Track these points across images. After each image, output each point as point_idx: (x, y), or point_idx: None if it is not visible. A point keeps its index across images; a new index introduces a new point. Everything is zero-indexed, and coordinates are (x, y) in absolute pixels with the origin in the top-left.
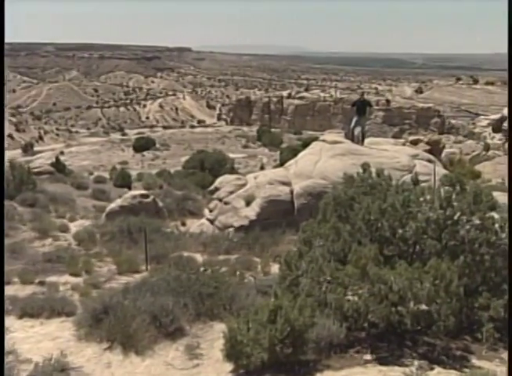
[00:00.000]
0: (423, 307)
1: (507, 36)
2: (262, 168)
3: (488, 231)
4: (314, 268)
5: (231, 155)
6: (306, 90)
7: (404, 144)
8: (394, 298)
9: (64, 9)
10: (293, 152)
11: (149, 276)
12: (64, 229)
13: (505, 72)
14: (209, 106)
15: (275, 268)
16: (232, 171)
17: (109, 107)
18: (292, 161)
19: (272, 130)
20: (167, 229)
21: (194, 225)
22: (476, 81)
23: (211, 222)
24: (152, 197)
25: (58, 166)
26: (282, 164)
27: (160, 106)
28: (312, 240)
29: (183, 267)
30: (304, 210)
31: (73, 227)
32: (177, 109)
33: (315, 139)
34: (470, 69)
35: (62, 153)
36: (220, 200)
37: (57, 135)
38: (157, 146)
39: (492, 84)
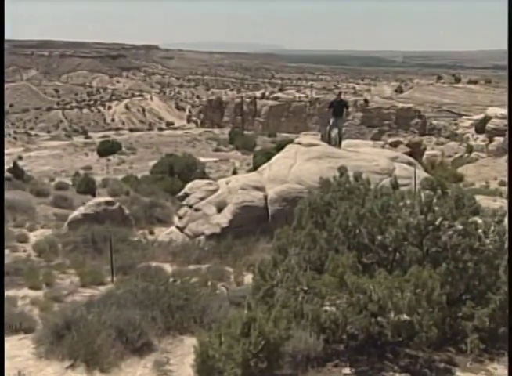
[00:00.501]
0: (405, 317)
1: (507, 36)
2: (235, 172)
3: (471, 237)
4: (289, 277)
5: (201, 159)
6: (280, 90)
7: (383, 146)
8: (373, 308)
9: (22, 5)
10: (267, 155)
11: (115, 289)
12: (23, 239)
13: (488, 70)
14: (178, 108)
15: (248, 278)
16: (203, 175)
17: (71, 109)
18: (266, 165)
19: (245, 132)
20: (134, 238)
21: (163, 233)
22: (458, 80)
23: (181, 230)
24: (118, 204)
25: (16, 172)
26: (255, 169)
27: (126, 107)
28: (287, 248)
29: (151, 278)
30: (279, 216)
31: (33, 237)
32: (144, 110)
33: (290, 141)
34: (452, 67)
35: (20, 158)
36: (190, 206)
37: (15, 138)
38: (123, 149)
39: (474, 83)
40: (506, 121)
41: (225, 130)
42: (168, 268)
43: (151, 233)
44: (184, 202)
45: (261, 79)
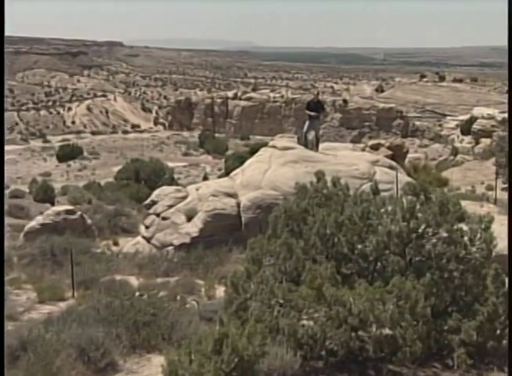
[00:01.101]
0: (387, 331)
1: (507, 36)
2: (205, 178)
3: (456, 245)
4: (264, 290)
5: (170, 164)
6: (254, 90)
7: (363, 149)
8: (353, 321)
9: None
10: (240, 159)
11: (76, 304)
12: None
13: (474, 68)
14: (144, 109)
15: (220, 291)
16: (172, 182)
17: (27, 110)
18: (238, 170)
19: (216, 135)
20: (97, 250)
21: (128, 244)
22: (442, 79)
23: (148, 240)
24: (79, 212)
25: None
26: (227, 174)
27: (88, 108)
28: (262, 259)
29: (115, 293)
30: (253, 225)
31: None
32: (107, 112)
33: (265, 144)
34: (436, 64)
35: None
36: (157, 215)
37: None
38: (85, 154)
39: (460, 81)
40: (493, 122)
41: (194, 133)
42: (134, 281)
43: (115, 244)
44: (151, 210)
45: (233, 78)
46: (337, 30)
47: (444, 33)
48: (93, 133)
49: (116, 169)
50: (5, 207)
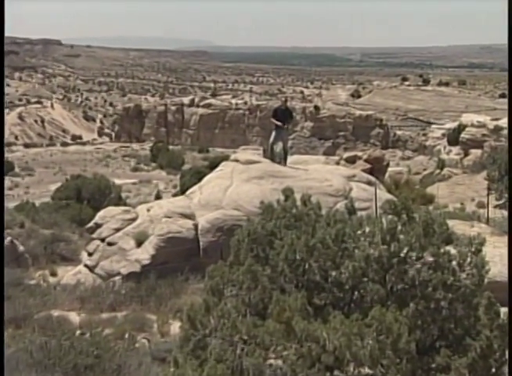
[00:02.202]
0: (366, 370)
1: (507, 37)
2: (158, 196)
3: (443, 270)
4: (225, 325)
5: (117, 181)
6: (213, 96)
7: (338, 162)
8: (328, 360)
9: None
10: (198, 175)
11: (5, 347)
12: None
13: (462, 69)
14: (87, 118)
15: (175, 326)
16: (119, 201)
17: None
18: (196, 188)
19: (171, 147)
20: (31, 281)
21: (68, 274)
22: (426, 82)
23: (91, 269)
24: (9, 238)
25: None
26: (183, 192)
27: (20, 117)
28: (223, 289)
29: (52, 331)
30: (213, 250)
31: None
32: (43, 121)
33: (226, 158)
34: (419, 66)
35: None
36: (102, 240)
37: None
38: (17, 170)
39: (446, 84)
40: (484, 130)
41: (145, 145)
42: (75, 317)
43: (53, 274)
44: (94, 235)
45: (189, 82)
46: (307, 29)
47: (427, 30)
48: (26, 146)
49: (53, 187)
50: None
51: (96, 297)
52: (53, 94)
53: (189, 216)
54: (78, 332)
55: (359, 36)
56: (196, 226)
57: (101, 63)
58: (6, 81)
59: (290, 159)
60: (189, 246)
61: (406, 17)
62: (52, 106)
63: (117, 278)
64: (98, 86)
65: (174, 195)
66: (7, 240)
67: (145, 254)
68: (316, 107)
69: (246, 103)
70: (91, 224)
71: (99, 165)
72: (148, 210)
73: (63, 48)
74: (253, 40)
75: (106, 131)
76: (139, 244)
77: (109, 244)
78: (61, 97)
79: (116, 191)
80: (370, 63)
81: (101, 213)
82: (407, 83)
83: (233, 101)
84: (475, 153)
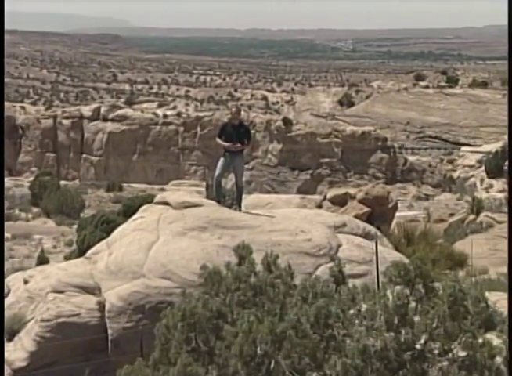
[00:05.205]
0: None
1: (507, 37)
2: (43, 260)
3: (482, 371)
4: None
5: None
6: (130, 104)
7: (320, 205)
8: None
9: None
10: (106, 226)
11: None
12: None
13: (507, 62)
14: None
15: None
16: None
17: None
18: (103, 245)
19: (63, 183)
20: None
21: None
22: (453, 82)
23: None
24: None
25: None
26: (82, 252)
27: None
28: None
29: None
30: (128, 341)
31: None
32: None
33: (149, 199)
34: (441, 57)
35: None
36: None
37: None
38: None
39: (483, 85)
40: None
41: (22, 178)
42: None
43: None
44: None
45: (91, 83)
46: (272, 2)
47: (453, 3)
48: None
49: None
50: None
51: None
52: None
53: (92, 290)
54: None
55: (350, 12)
56: (102, 306)
57: None
58: None
59: (246, 200)
60: (90, 336)
61: None
62: None
63: None
64: None
65: (68, 257)
66: None
67: (19, 351)
68: (287, 121)
69: (179, 114)
70: None
71: None
72: (26, 281)
73: None
74: (189, 20)
75: None
76: (11, 335)
77: None
78: None
79: None
80: (367, 53)
81: None
82: (423, 83)
83: (160, 112)
84: None
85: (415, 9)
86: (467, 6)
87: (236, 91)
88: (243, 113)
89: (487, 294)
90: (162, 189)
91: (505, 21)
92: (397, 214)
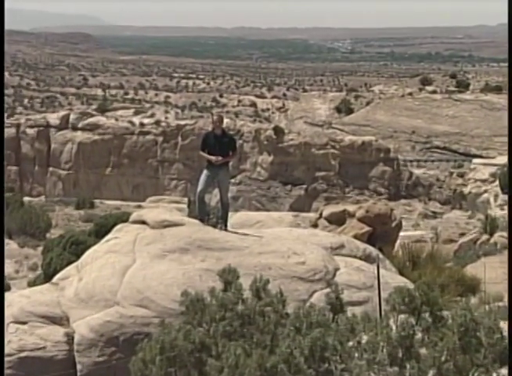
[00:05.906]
0: None
1: (507, 37)
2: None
3: None
4: None
5: None
6: (102, 111)
7: (315, 224)
8: None
9: None
10: (75, 248)
11: None
12: None
13: None
14: None
15: None
16: None
17: None
18: (71, 268)
19: (27, 199)
20: None
21: None
22: (464, 86)
23: None
24: None
25: None
26: (48, 277)
27: None
28: None
29: None
30: None
31: None
32: None
33: (124, 217)
34: (450, 59)
35: None
36: None
37: None
38: None
39: (497, 90)
40: None
41: None
42: None
43: None
44: None
45: (59, 88)
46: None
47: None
48: None
49: None
50: None
51: None
52: None
53: (59, 320)
54: None
55: (349, 10)
56: (70, 338)
57: None
58: None
59: (233, 218)
60: (57, 372)
61: None
62: None
63: None
64: None
65: (32, 283)
66: None
67: None
68: (278, 130)
69: (158, 122)
70: None
71: None
72: None
73: None
74: (170, 17)
75: None
76: None
77: None
78: None
79: None
80: (367, 54)
81: None
82: (430, 88)
83: (136, 120)
84: None
85: (420, 5)
86: (475, 3)
87: (221, 96)
88: (228, 121)
89: (502, 323)
90: (139, 207)
91: None
92: (401, 234)
